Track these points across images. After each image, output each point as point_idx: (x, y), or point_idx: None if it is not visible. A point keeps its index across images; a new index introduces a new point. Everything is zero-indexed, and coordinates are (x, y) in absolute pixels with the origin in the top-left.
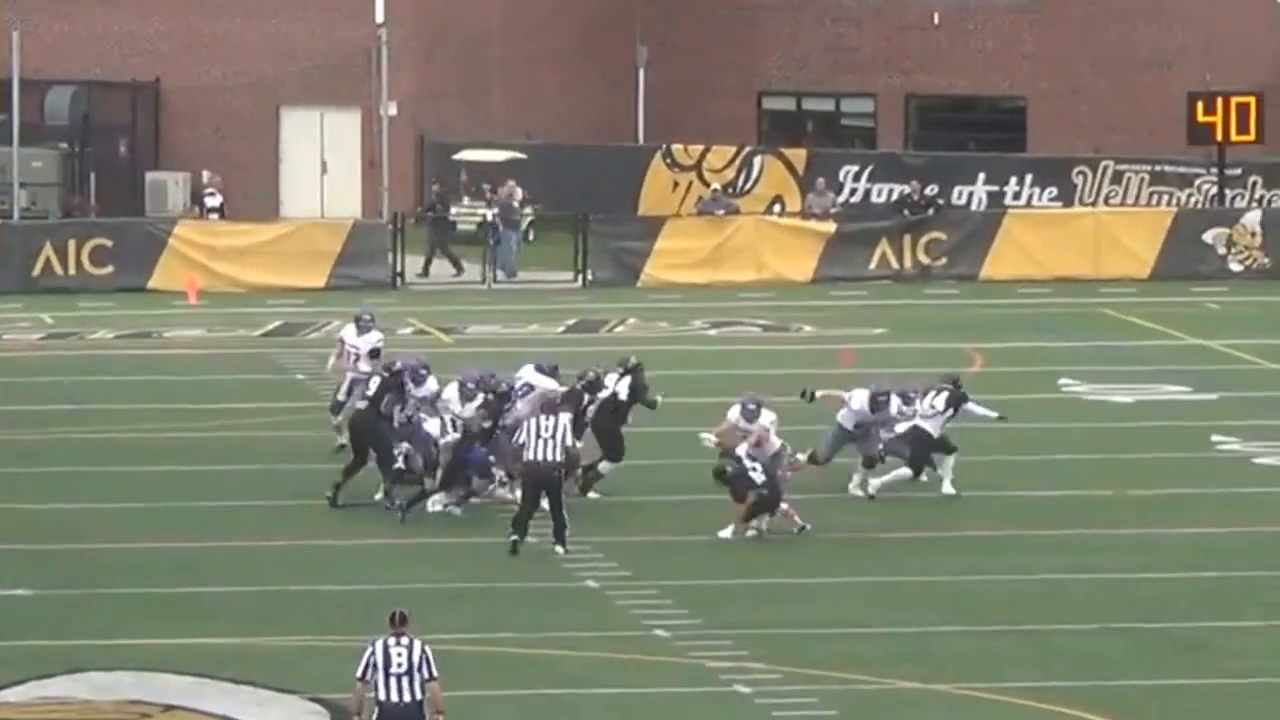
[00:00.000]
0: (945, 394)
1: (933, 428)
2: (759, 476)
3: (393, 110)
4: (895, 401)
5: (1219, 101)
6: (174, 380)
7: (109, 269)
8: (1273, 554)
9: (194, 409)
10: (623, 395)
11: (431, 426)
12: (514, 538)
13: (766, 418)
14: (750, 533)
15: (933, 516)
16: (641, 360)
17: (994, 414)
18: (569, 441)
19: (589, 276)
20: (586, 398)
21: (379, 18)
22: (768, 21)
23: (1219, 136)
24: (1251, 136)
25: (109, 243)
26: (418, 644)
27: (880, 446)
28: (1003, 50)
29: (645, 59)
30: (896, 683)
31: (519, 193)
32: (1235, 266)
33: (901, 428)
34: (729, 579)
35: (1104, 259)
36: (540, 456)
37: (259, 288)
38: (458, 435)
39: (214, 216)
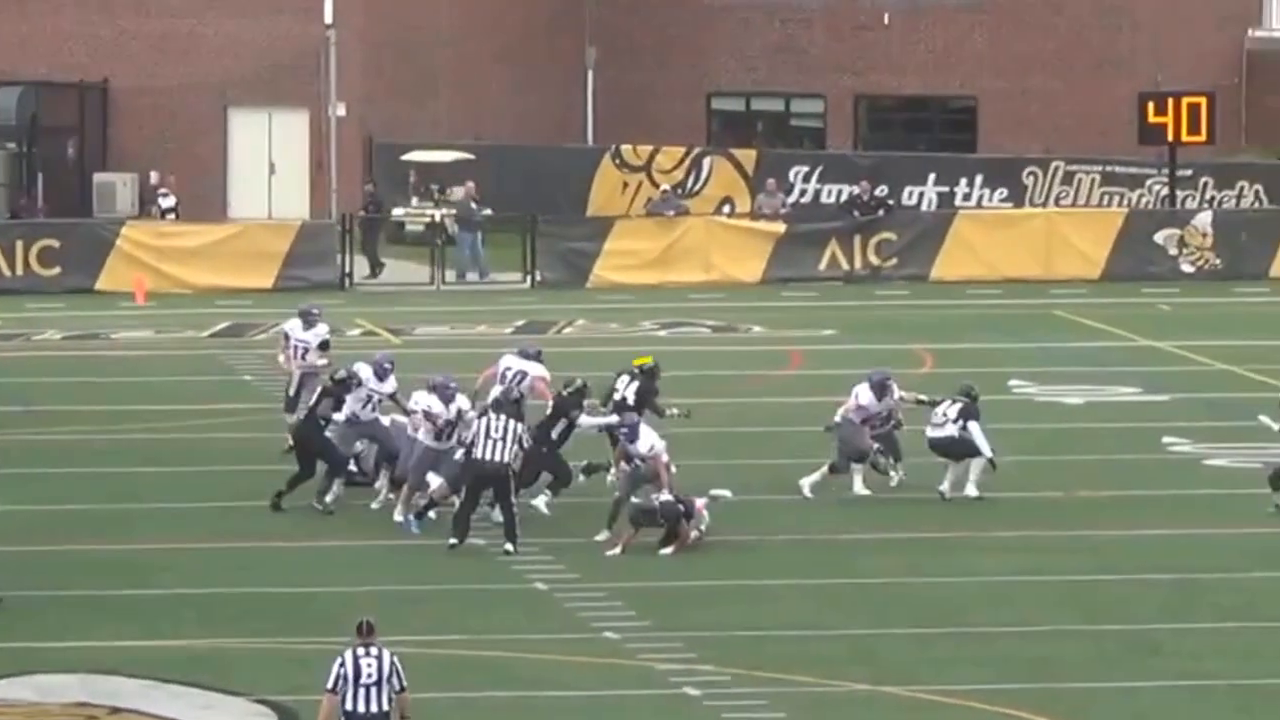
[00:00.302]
0: (960, 405)
1: (935, 434)
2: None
3: (341, 111)
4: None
5: (1170, 102)
6: (122, 382)
7: (56, 270)
8: (1224, 556)
9: (142, 410)
10: (629, 399)
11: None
12: (452, 540)
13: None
14: (694, 534)
15: (882, 518)
16: (655, 365)
17: (989, 453)
18: (525, 443)
19: (538, 277)
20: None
21: (328, 19)
22: (717, 22)
23: (1170, 137)
24: (1203, 137)
25: (56, 244)
26: (387, 654)
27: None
28: (953, 51)
29: (594, 60)
30: (846, 684)
31: (462, 192)
32: (1186, 267)
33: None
34: (678, 581)
35: (1055, 260)
36: (488, 456)
37: (207, 289)
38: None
39: (171, 217)
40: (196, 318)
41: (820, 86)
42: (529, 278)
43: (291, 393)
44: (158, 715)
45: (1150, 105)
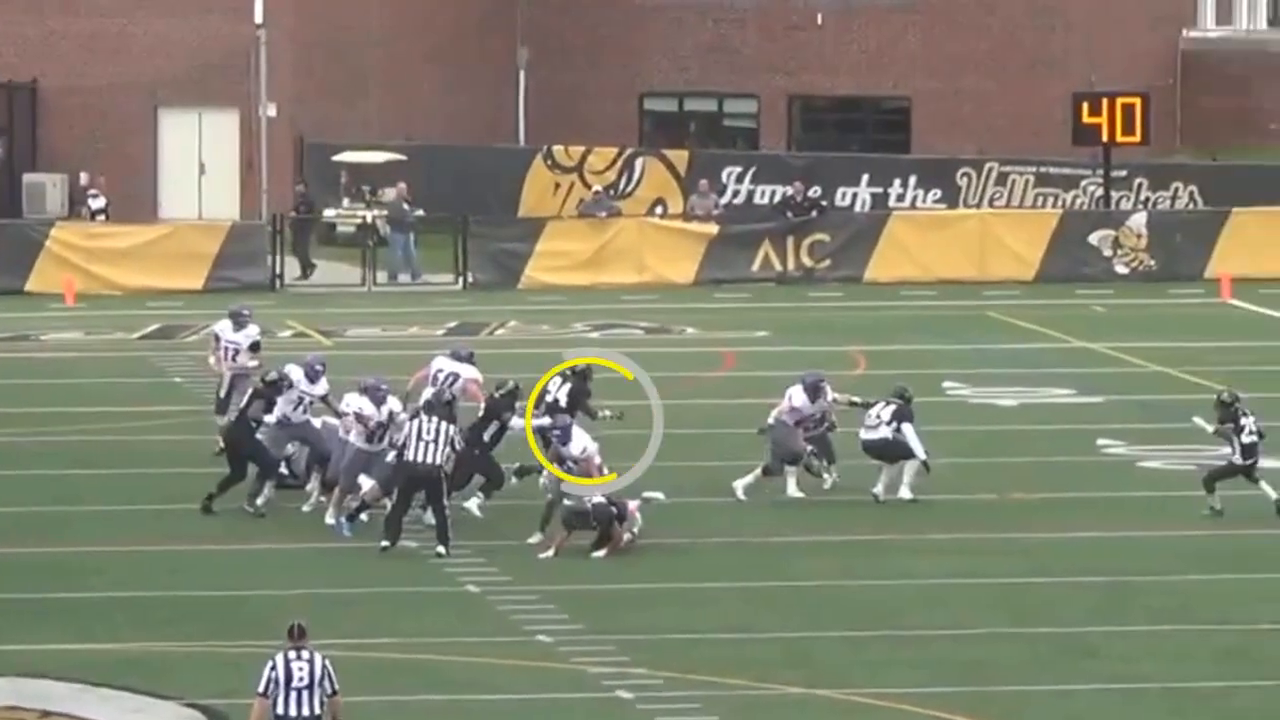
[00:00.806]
0: (894, 407)
1: (868, 436)
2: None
3: (271, 111)
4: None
5: (1104, 102)
6: (51, 384)
7: None
8: (1158, 558)
9: (72, 412)
10: (562, 401)
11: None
12: (384, 543)
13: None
14: (626, 536)
15: (815, 520)
16: (588, 367)
17: (923, 455)
18: (457, 445)
19: (469, 279)
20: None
21: (258, 18)
22: (649, 22)
23: (1104, 138)
24: (1137, 138)
25: None
26: (318, 658)
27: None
28: (886, 51)
29: (526, 60)
30: (779, 688)
31: (394, 193)
32: (1121, 269)
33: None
34: (611, 584)
35: (989, 261)
36: (420, 458)
37: (137, 290)
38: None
39: (101, 218)
40: (126, 319)
41: (753, 87)
42: (460, 279)
43: (222, 394)
44: (89, 719)
45: (1084, 106)
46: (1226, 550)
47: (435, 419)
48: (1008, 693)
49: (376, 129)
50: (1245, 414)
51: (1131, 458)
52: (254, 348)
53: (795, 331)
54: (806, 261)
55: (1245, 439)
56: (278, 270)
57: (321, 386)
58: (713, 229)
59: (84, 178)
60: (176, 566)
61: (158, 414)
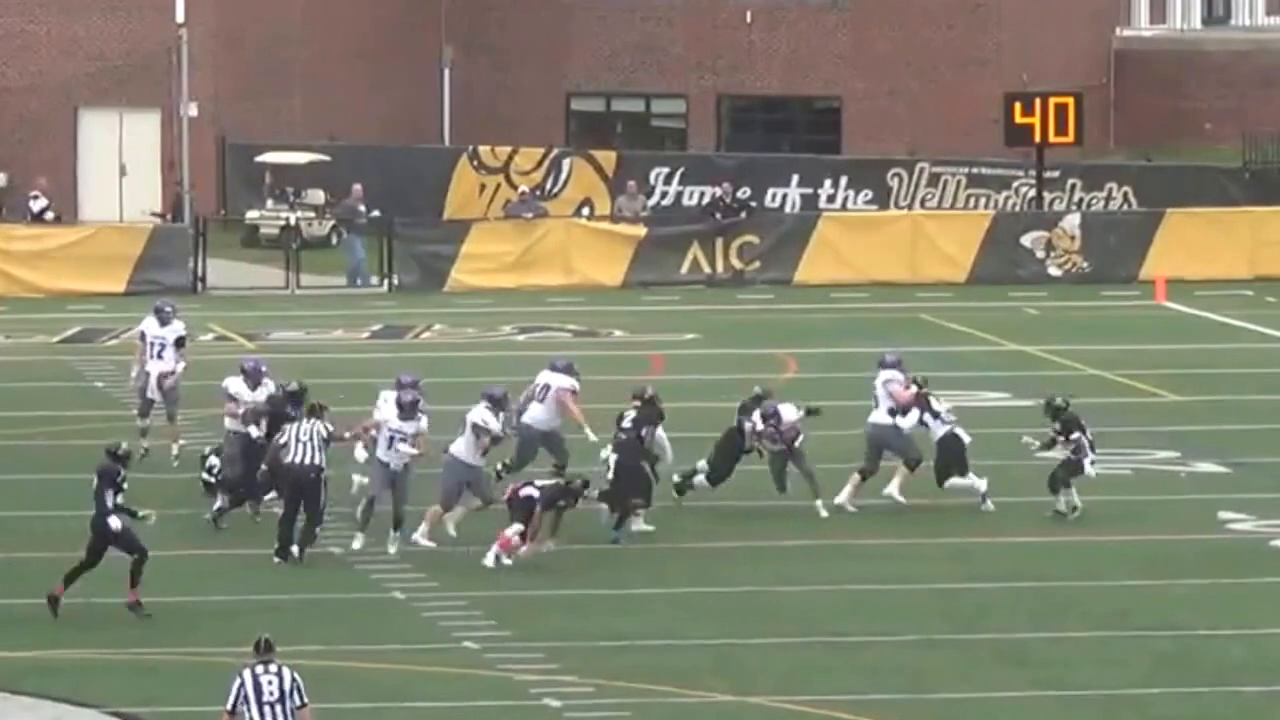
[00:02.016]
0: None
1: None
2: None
3: (193, 111)
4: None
5: (1037, 102)
6: None
7: None
8: (1094, 564)
9: None
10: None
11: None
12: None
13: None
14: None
15: (746, 526)
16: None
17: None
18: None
19: (394, 281)
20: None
21: (179, 17)
22: (576, 20)
23: (1037, 138)
24: (1070, 138)
25: None
26: (287, 671)
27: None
28: (816, 50)
29: (450, 59)
30: (711, 695)
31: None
32: (1054, 270)
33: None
34: (539, 590)
35: (920, 263)
36: (299, 459)
37: (57, 293)
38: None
39: (49, 217)
40: (47, 322)
41: (681, 86)
42: (385, 281)
43: (150, 394)
44: None
45: (1017, 105)
46: (1160, 556)
47: (313, 420)
48: (942, 700)
49: (300, 129)
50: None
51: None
52: (179, 343)
53: (725, 334)
54: (736, 263)
55: (1071, 445)
56: (200, 273)
57: (263, 390)
58: (641, 231)
59: (2, 178)
60: (94, 574)
61: (78, 419)
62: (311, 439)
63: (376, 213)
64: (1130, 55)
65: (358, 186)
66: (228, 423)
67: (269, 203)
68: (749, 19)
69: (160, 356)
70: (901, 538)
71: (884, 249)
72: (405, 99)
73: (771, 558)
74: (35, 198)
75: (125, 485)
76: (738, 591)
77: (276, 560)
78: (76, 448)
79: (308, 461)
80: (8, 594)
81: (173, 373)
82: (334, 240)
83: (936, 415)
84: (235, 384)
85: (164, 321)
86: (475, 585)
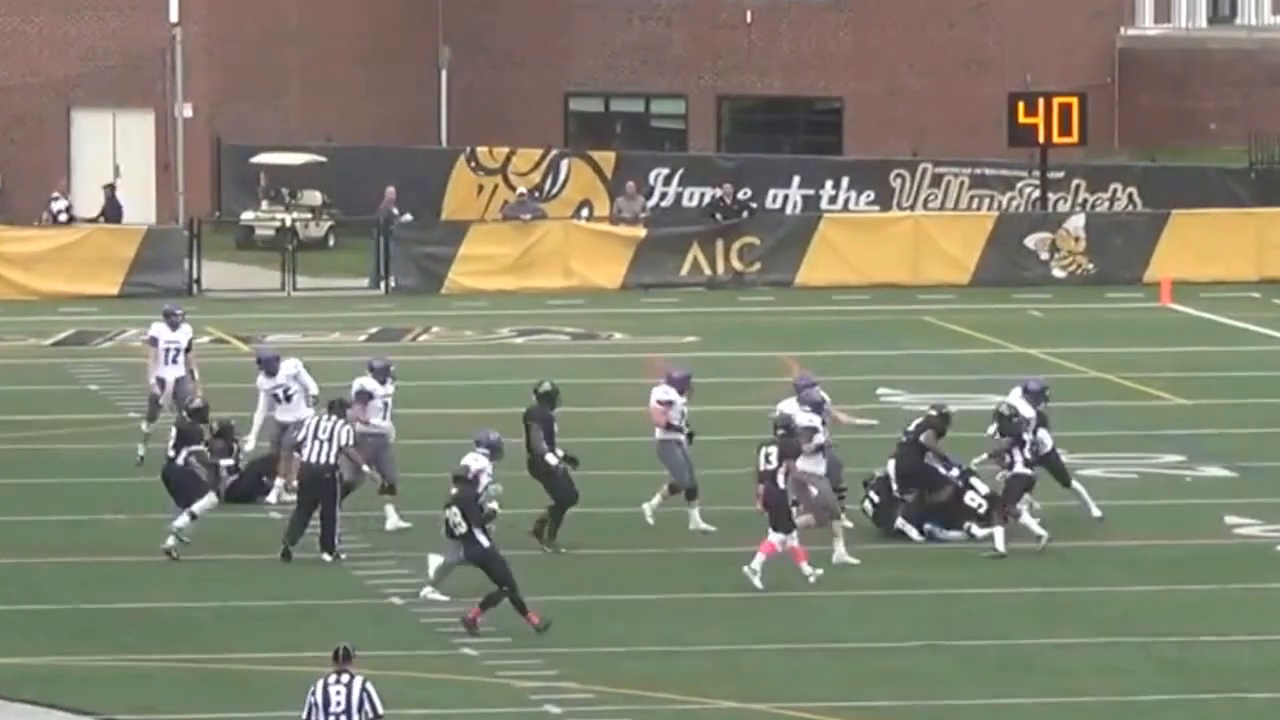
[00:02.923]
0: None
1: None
2: None
3: (188, 112)
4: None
5: (1040, 102)
6: None
7: None
8: (1098, 569)
9: None
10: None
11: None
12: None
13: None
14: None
15: (745, 531)
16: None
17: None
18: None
19: (391, 283)
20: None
21: (173, 16)
22: (574, 20)
23: (1041, 138)
24: (1074, 138)
25: None
26: (358, 681)
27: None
28: (818, 50)
29: (448, 59)
30: (712, 702)
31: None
32: (1058, 272)
33: None
34: (539, 595)
35: (923, 264)
36: (314, 458)
37: (50, 295)
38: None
39: (63, 218)
40: (39, 325)
41: (681, 86)
42: (382, 283)
43: (162, 402)
44: None
45: (1020, 105)
46: (1166, 561)
47: (333, 418)
48: (943, 706)
49: (296, 130)
50: (1028, 429)
51: (1070, 466)
52: (188, 348)
53: (725, 337)
54: (736, 265)
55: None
56: (195, 275)
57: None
58: (640, 232)
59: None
60: (87, 578)
61: (71, 422)
62: (330, 438)
63: (409, 216)
64: (1135, 54)
65: (391, 190)
66: (359, 426)
67: (264, 204)
68: (749, 19)
69: (174, 361)
70: (901, 542)
71: (886, 250)
72: (402, 99)
73: (773, 562)
74: (55, 199)
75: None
76: (735, 597)
77: (281, 559)
78: (68, 452)
79: (322, 460)
80: (3, 600)
81: (189, 379)
82: (330, 242)
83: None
84: (368, 382)
85: (174, 326)
86: (473, 592)
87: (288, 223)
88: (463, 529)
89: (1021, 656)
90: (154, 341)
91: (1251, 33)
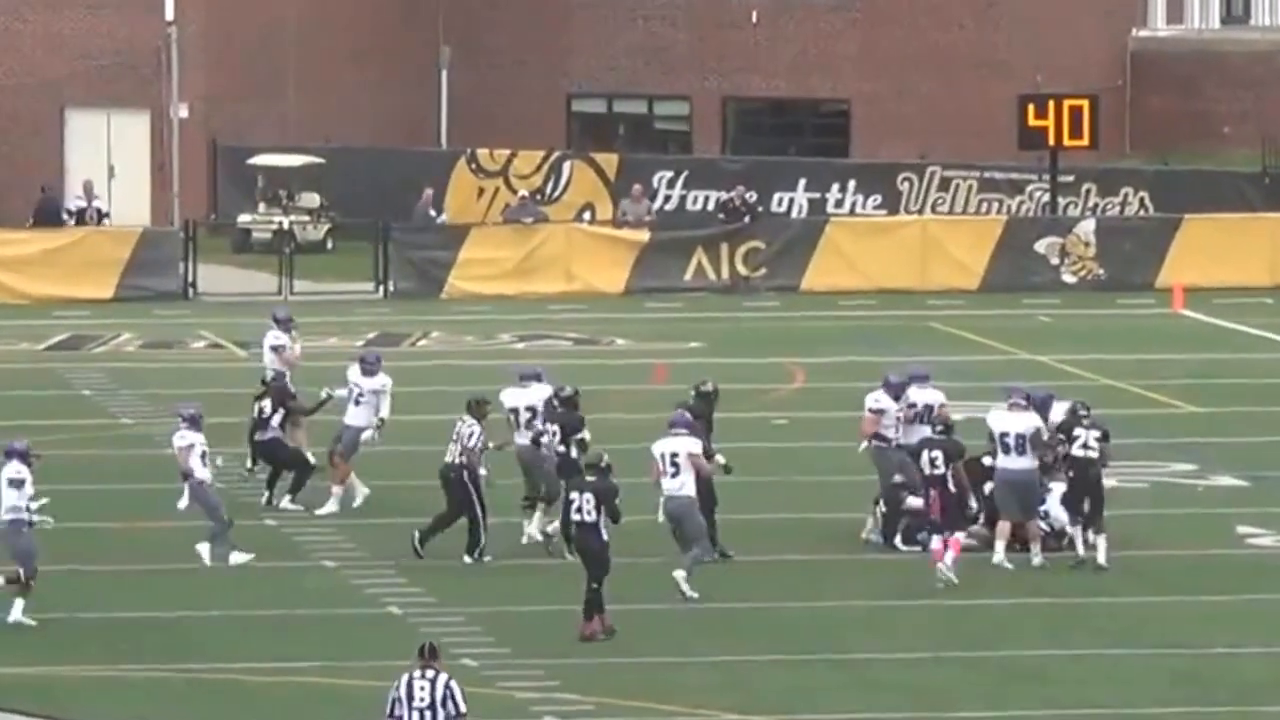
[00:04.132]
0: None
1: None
2: None
3: (184, 112)
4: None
5: (1051, 105)
6: None
7: None
8: (1108, 579)
9: None
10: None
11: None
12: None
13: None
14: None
15: (751, 541)
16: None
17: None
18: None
19: (390, 287)
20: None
21: (169, 15)
22: (577, 20)
23: (1051, 141)
24: (1085, 141)
25: None
26: (442, 678)
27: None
28: (824, 51)
29: (448, 59)
30: (714, 714)
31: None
32: (1068, 278)
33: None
34: (538, 605)
35: (931, 269)
36: (448, 458)
37: (43, 298)
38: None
39: (108, 222)
40: (32, 329)
41: (685, 88)
42: (380, 287)
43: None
44: None
45: (1030, 108)
46: (1177, 571)
47: (466, 419)
48: (950, 718)
49: (294, 131)
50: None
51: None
52: (276, 349)
53: (730, 343)
54: (741, 270)
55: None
56: (190, 278)
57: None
58: (644, 236)
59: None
60: (85, 587)
61: (63, 428)
62: (458, 438)
63: (444, 218)
64: (1147, 56)
65: (429, 191)
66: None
67: (261, 206)
68: (755, 19)
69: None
70: (909, 552)
71: (894, 255)
72: (402, 100)
73: (778, 573)
74: (78, 198)
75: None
76: (743, 608)
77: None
78: (60, 458)
79: (449, 460)
80: None
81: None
82: (329, 245)
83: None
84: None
85: (286, 329)
86: (473, 601)
87: (285, 225)
88: (592, 518)
89: (1031, 668)
90: (278, 349)
91: (1265, 34)
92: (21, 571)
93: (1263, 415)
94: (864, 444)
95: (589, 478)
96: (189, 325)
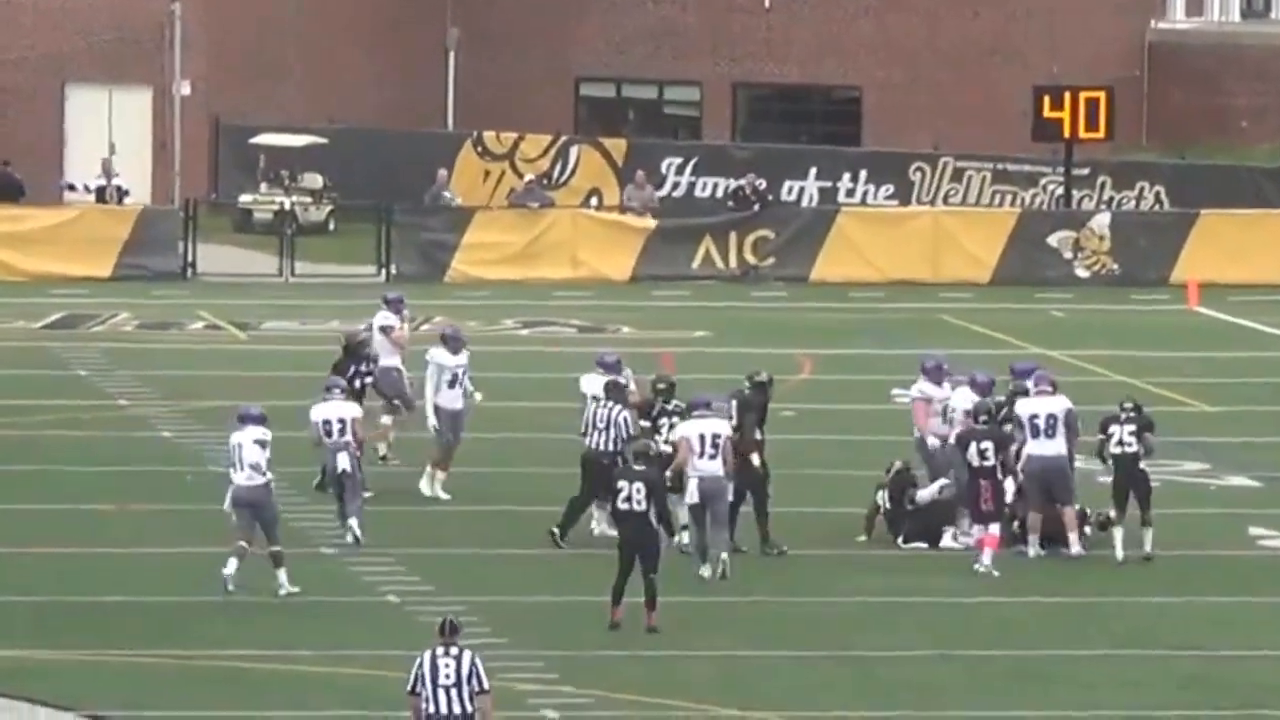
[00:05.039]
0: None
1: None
2: None
3: (186, 90)
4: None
5: (1066, 96)
6: None
7: None
8: (1117, 579)
9: None
10: None
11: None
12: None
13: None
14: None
15: (753, 534)
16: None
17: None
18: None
19: (393, 270)
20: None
21: None
22: (586, 3)
23: (1066, 133)
24: (1101, 134)
25: None
26: (467, 655)
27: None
28: (837, 37)
29: (456, 40)
30: (714, 709)
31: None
32: (1082, 272)
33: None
34: (538, 596)
35: (942, 262)
36: (593, 444)
37: (40, 276)
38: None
39: (129, 199)
40: (28, 307)
41: (696, 73)
42: (383, 270)
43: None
44: None
45: (1045, 99)
46: (1188, 572)
47: (611, 404)
48: (954, 718)
49: (297, 111)
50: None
51: (1090, 471)
52: (384, 330)
53: (737, 332)
54: (750, 259)
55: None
56: (190, 258)
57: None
58: (651, 223)
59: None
60: (78, 570)
61: (58, 408)
62: (609, 424)
63: (460, 199)
64: (1165, 48)
65: (443, 172)
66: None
67: (263, 187)
68: (767, 4)
69: (452, 387)
70: (916, 549)
71: (905, 246)
72: (408, 81)
73: (781, 567)
74: (97, 176)
75: None
76: (745, 602)
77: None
78: (54, 438)
79: (601, 447)
80: None
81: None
82: (331, 226)
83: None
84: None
85: (396, 311)
86: (472, 590)
87: (287, 206)
88: (641, 507)
89: (1037, 667)
90: (386, 329)
91: None
92: (268, 538)
93: (1277, 415)
94: (933, 440)
95: (638, 467)
96: (188, 306)
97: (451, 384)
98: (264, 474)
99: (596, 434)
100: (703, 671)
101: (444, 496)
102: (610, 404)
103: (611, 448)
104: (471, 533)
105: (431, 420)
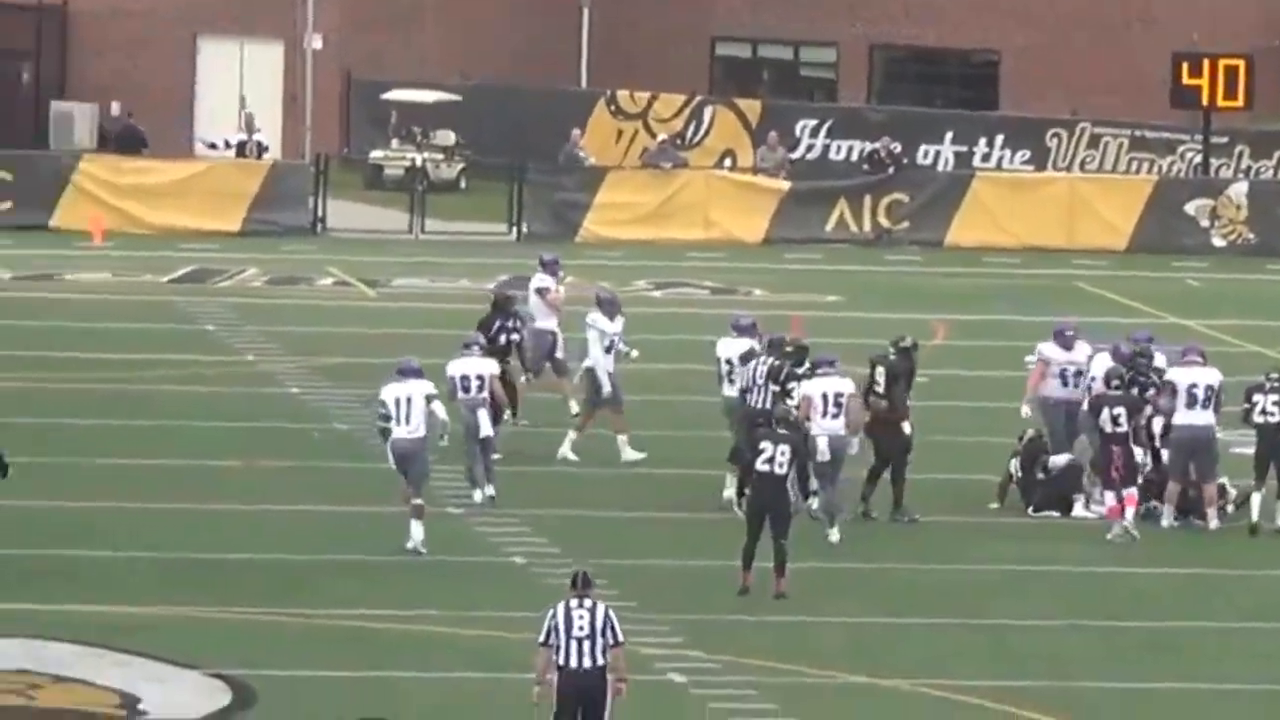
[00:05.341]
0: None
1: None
2: None
3: (317, 43)
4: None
5: (1206, 63)
6: (74, 327)
7: (8, 205)
8: (1253, 553)
9: (93, 358)
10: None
11: None
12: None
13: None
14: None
15: (889, 500)
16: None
17: None
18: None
19: (524, 229)
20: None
21: None
22: None
23: (1205, 101)
24: (1239, 102)
25: (8, 176)
26: (601, 607)
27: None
28: (977, 1)
29: None
30: (842, 676)
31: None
32: (1218, 241)
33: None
34: (666, 559)
35: (1078, 229)
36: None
37: (169, 230)
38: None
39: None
40: (157, 261)
41: (832, 35)
42: (514, 229)
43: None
44: (103, 686)
45: (1184, 66)
46: None
47: (771, 360)
48: (1086, 689)
49: (429, 66)
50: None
51: (1225, 442)
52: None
53: (871, 297)
54: (884, 222)
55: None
56: (320, 214)
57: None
58: (785, 185)
59: (115, 108)
60: (200, 526)
61: (184, 363)
62: (768, 382)
63: (594, 159)
64: None
65: (576, 131)
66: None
67: (395, 143)
68: None
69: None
70: (1047, 518)
71: (1040, 212)
72: (542, 37)
73: (912, 534)
74: (239, 131)
75: None
76: (871, 568)
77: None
78: (180, 393)
79: (765, 406)
80: (101, 545)
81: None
82: (462, 184)
83: None
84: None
85: (552, 272)
86: (599, 553)
87: (418, 163)
88: (783, 470)
89: (1168, 639)
90: (541, 293)
91: None
92: (415, 491)
93: None
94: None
95: (782, 430)
96: (317, 262)
97: (608, 350)
98: (444, 425)
99: (757, 391)
100: (832, 638)
101: (638, 456)
102: (769, 358)
103: (768, 405)
104: (601, 495)
105: (605, 386)
